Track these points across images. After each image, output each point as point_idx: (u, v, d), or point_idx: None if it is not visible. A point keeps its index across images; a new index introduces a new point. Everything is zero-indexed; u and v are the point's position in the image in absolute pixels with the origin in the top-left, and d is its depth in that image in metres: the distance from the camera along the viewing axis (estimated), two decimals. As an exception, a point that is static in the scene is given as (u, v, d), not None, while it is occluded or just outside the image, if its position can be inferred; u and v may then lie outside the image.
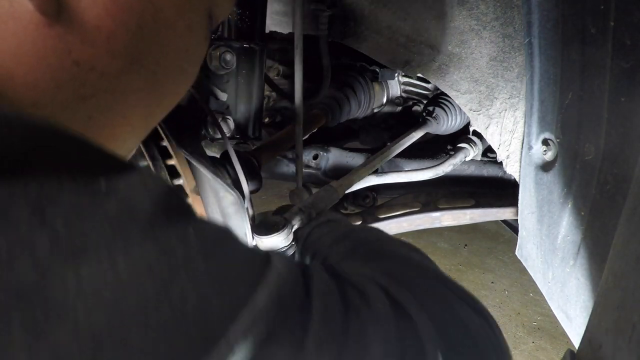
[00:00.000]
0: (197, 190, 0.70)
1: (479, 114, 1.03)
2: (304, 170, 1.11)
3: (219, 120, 0.98)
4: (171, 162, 0.69)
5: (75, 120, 0.34)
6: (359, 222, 1.26)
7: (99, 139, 0.36)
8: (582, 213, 0.91)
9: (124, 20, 0.34)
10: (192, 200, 0.69)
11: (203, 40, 0.43)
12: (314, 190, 1.17)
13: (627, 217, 0.53)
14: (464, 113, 1.09)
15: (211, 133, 0.97)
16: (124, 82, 0.36)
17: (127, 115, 0.37)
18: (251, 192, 0.86)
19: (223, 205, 0.72)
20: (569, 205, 0.94)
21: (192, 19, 0.40)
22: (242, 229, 0.71)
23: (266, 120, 1.50)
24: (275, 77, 1.44)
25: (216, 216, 0.73)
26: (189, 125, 0.75)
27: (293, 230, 0.86)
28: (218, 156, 0.90)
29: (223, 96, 0.99)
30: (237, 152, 1.05)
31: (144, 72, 0.37)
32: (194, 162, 0.68)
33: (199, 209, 0.70)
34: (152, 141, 0.68)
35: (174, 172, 0.69)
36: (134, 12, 0.34)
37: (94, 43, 0.33)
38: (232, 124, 1.01)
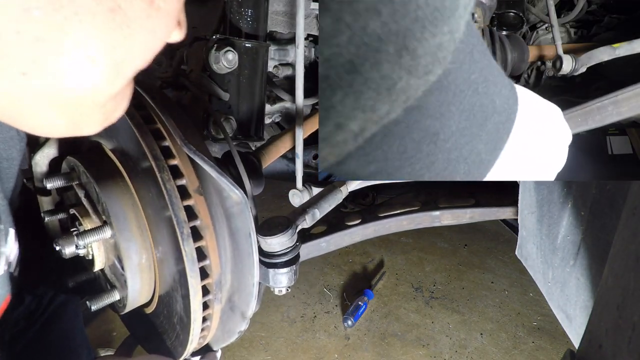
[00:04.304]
0: (201, 190, 0.69)
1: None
2: (304, 170, 1.11)
3: (221, 120, 0.98)
4: (174, 162, 0.67)
5: (21, 37, 0.29)
6: (359, 221, 1.26)
7: (55, 61, 0.31)
8: (582, 213, 0.91)
9: None
10: (196, 200, 0.68)
11: None
12: (315, 190, 1.17)
13: (627, 217, 0.53)
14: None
15: (213, 133, 0.97)
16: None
17: (86, 44, 0.32)
18: (254, 193, 0.85)
19: (227, 205, 0.71)
20: (569, 205, 0.94)
21: None
22: (246, 229, 0.70)
23: (268, 121, 1.50)
24: (275, 78, 1.44)
25: (219, 216, 0.72)
26: (192, 124, 0.74)
27: (297, 230, 0.86)
28: (219, 157, 0.90)
29: (225, 96, 0.99)
30: (239, 153, 1.05)
31: None
32: (199, 161, 0.66)
33: (202, 209, 0.69)
34: (154, 141, 0.67)
35: (176, 172, 0.67)
36: None
37: None
38: (234, 124, 1.01)
